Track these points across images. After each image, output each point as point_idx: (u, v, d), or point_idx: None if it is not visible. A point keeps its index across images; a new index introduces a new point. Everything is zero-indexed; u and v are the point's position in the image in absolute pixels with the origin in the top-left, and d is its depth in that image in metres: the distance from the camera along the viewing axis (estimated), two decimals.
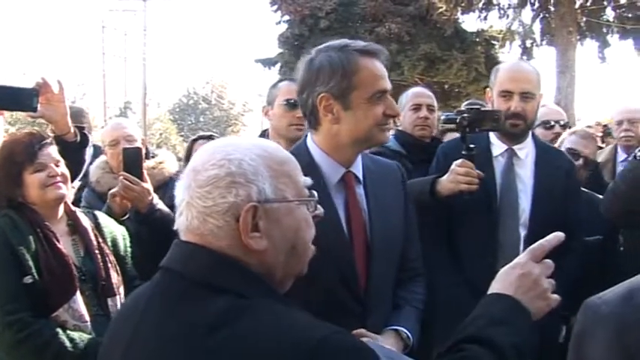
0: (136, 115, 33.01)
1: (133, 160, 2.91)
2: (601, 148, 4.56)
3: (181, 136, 39.63)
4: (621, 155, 4.26)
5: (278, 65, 22.77)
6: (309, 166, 1.97)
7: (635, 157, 2.61)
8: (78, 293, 2.32)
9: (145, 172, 2.96)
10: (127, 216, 2.96)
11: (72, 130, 2.66)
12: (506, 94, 2.76)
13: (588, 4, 18.75)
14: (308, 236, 1.31)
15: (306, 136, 2.11)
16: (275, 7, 22.32)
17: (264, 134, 3.40)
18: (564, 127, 3.84)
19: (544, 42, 20.12)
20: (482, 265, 2.62)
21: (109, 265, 2.47)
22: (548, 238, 1.44)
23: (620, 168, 3.97)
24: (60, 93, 2.56)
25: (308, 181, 1.32)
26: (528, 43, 20.38)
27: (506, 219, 2.72)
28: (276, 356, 1.06)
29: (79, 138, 2.70)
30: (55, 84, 2.54)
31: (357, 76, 1.93)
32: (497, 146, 2.82)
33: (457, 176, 2.54)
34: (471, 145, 2.59)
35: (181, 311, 1.16)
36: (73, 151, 2.67)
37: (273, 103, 3.26)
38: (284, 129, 3.19)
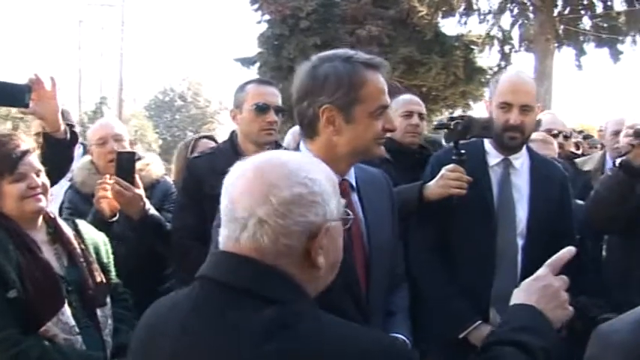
0: (112, 111, 32.60)
1: (126, 165, 2.82)
2: (577, 155, 4.57)
3: (157, 133, 39.35)
4: (610, 163, 4.27)
5: (257, 65, 22.66)
6: None
7: (616, 164, 2.66)
8: (66, 305, 2.18)
9: (137, 177, 2.86)
10: (116, 217, 2.86)
11: (63, 127, 2.61)
12: (506, 106, 2.74)
13: (566, 12, 19.01)
14: (342, 252, 1.37)
15: (299, 144, 2.04)
16: (256, 5, 22.21)
17: (232, 135, 3.21)
18: (566, 138, 3.89)
19: (522, 48, 20.33)
20: (480, 274, 2.65)
21: (95, 273, 2.34)
22: (562, 252, 1.53)
23: None
24: (52, 90, 2.52)
25: (342, 200, 1.34)
26: (507, 48, 20.57)
27: (504, 228, 2.71)
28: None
29: (68, 136, 2.65)
30: (47, 81, 2.51)
31: (363, 90, 1.88)
32: (493, 156, 2.80)
33: (448, 181, 2.57)
34: (462, 151, 2.62)
35: (234, 321, 1.17)
36: (63, 148, 2.64)
37: (241, 107, 3.07)
38: (255, 134, 3.03)
